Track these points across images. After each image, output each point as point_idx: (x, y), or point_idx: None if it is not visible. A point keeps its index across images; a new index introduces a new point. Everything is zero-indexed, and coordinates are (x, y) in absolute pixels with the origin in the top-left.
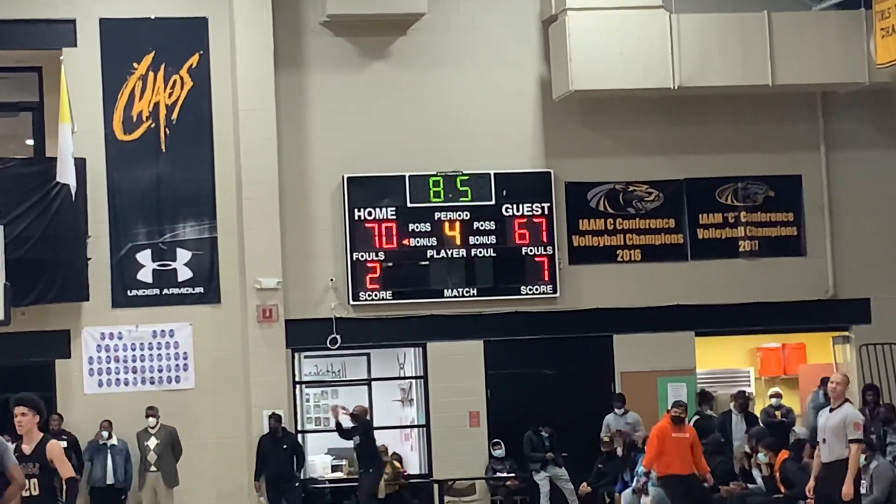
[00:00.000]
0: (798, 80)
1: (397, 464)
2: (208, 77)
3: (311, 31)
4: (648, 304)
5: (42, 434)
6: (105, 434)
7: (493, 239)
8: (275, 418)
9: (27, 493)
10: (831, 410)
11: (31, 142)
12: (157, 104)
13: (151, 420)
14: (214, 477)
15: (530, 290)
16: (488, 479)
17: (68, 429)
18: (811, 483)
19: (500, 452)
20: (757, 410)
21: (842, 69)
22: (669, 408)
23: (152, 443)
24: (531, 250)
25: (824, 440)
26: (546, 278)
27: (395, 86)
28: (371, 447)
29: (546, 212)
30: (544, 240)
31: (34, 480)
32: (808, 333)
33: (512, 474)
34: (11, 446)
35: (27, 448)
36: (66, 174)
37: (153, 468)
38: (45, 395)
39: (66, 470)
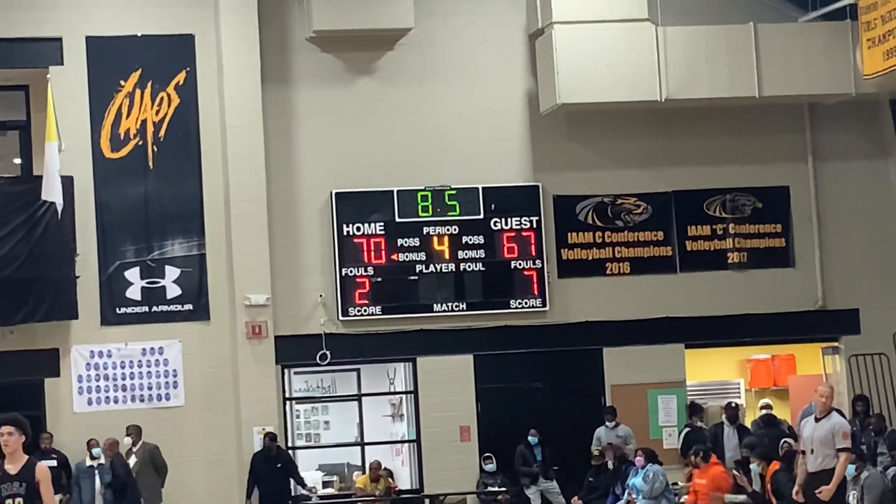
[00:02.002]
0: (785, 91)
1: (387, 479)
2: (195, 94)
3: (297, 47)
4: (638, 317)
5: (28, 455)
6: (94, 452)
7: (481, 253)
8: (269, 437)
9: None
10: (817, 420)
11: (18, 160)
12: (144, 121)
13: (128, 439)
14: (204, 494)
15: (519, 303)
16: (479, 493)
17: (58, 447)
18: (796, 488)
19: (491, 467)
20: (748, 422)
21: (828, 80)
22: None
23: (132, 461)
24: (520, 264)
25: (812, 450)
26: (535, 292)
27: (382, 101)
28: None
29: (534, 225)
30: (533, 253)
31: (18, 500)
32: (797, 344)
33: (503, 488)
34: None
35: (12, 468)
36: (52, 192)
37: (134, 485)
38: (34, 414)
39: (49, 497)
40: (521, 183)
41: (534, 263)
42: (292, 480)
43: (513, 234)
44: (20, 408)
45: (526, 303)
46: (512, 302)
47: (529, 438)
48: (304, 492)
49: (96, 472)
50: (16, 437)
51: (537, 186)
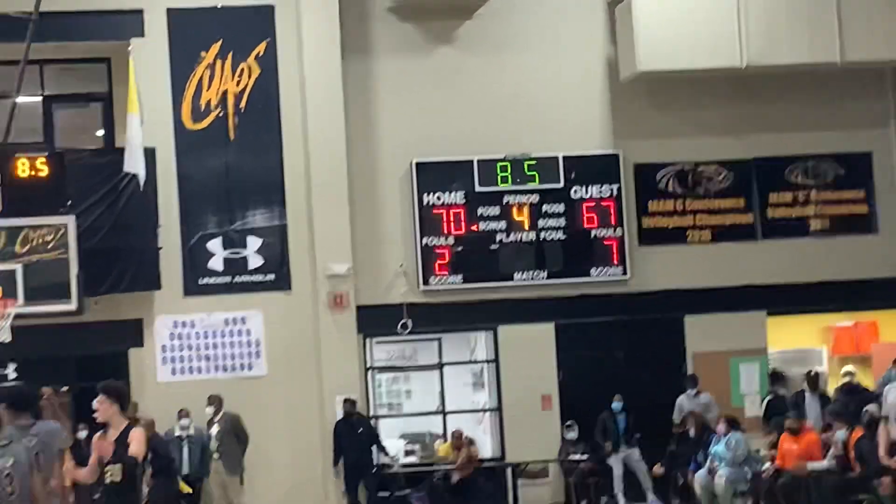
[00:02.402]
0: (867, 56)
1: (468, 448)
2: (276, 65)
3: (377, 17)
4: (719, 285)
5: (128, 422)
6: (182, 423)
7: (562, 222)
8: (349, 403)
9: (109, 480)
10: None
11: (101, 133)
12: (225, 93)
13: (209, 409)
14: (287, 464)
15: (600, 272)
16: (561, 461)
17: (142, 417)
18: (882, 452)
19: (572, 434)
20: (830, 389)
21: None
22: None
23: (214, 430)
24: (600, 233)
25: None
26: (616, 261)
27: (461, 70)
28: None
29: (615, 193)
30: (613, 222)
31: (118, 466)
32: (880, 311)
33: (585, 456)
34: (85, 434)
35: (113, 434)
36: (134, 164)
37: (216, 456)
38: None
39: (135, 449)
40: (602, 151)
41: (614, 232)
42: (374, 448)
43: (593, 202)
44: (104, 378)
45: (606, 271)
46: (592, 270)
47: (613, 405)
48: (386, 460)
49: (184, 442)
50: (106, 405)
51: (617, 154)
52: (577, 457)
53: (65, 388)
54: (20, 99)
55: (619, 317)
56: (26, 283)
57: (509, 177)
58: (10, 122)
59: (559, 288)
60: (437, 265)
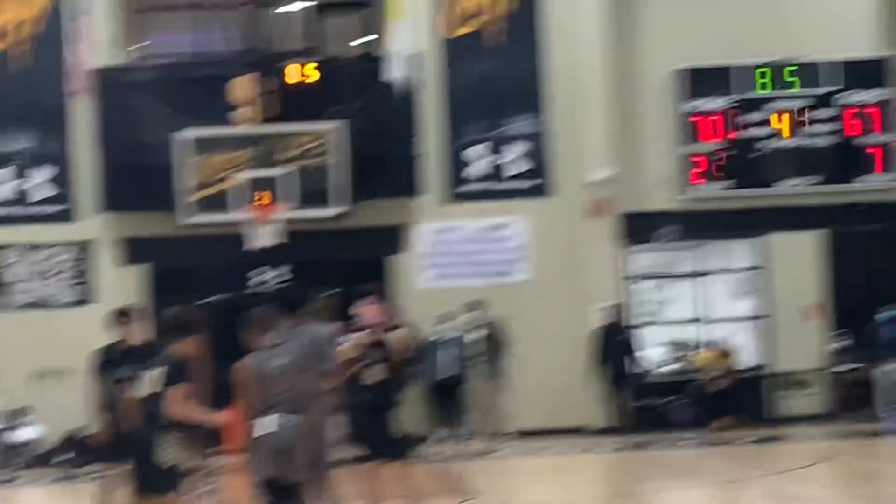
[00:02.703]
0: None
1: (730, 357)
2: None
3: None
4: None
5: (390, 325)
6: (442, 327)
7: (830, 127)
8: (611, 310)
9: (371, 380)
10: None
11: (364, 39)
12: None
13: (472, 314)
14: (547, 370)
15: (870, 179)
16: (828, 371)
17: (401, 322)
18: None
19: (841, 344)
20: None
21: None
22: None
23: (475, 336)
24: (873, 139)
25: None
26: (888, 168)
27: None
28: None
29: (888, 98)
30: (885, 128)
31: (381, 365)
32: None
33: (853, 366)
34: (354, 336)
35: (372, 337)
36: (398, 71)
37: (476, 361)
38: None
39: (398, 349)
40: (873, 55)
41: (885, 138)
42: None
43: (865, 108)
44: (366, 283)
45: (877, 179)
46: (862, 178)
47: (881, 315)
48: (639, 370)
49: (444, 345)
50: (371, 308)
51: (888, 58)
52: (844, 367)
53: (332, 292)
54: (287, 7)
55: (890, 225)
56: (294, 188)
57: (776, 82)
58: (280, 30)
59: (826, 196)
60: (699, 172)
